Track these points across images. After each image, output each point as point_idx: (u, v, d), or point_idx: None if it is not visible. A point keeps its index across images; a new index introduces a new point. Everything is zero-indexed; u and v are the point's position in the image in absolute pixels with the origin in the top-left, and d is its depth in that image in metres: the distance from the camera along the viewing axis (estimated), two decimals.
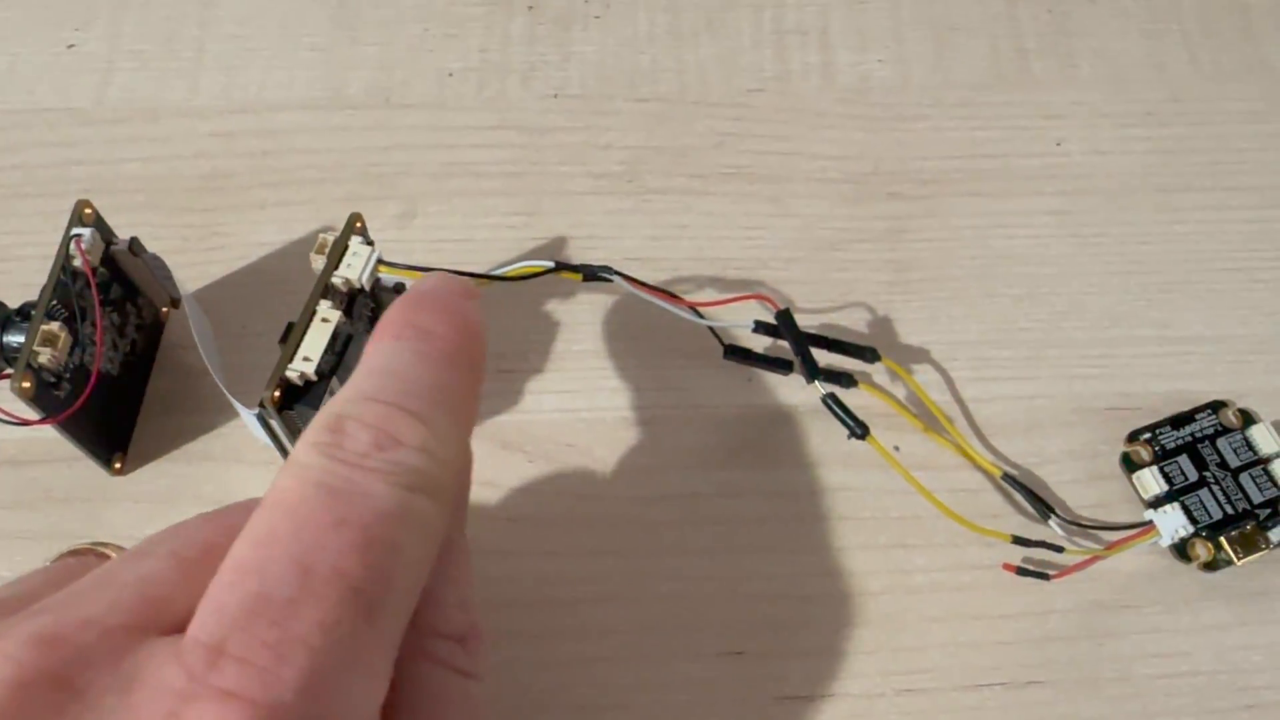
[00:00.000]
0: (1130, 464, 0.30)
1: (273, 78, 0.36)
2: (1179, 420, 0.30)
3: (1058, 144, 0.35)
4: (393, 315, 0.21)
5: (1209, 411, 0.30)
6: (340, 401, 0.19)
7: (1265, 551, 0.28)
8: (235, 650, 0.15)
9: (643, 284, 0.29)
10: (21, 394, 0.26)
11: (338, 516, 0.16)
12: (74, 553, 0.24)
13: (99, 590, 0.17)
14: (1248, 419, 0.30)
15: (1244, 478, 0.29)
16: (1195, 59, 0.37)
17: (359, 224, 0.28)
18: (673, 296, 0.29)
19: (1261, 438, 0.30)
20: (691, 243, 0.33)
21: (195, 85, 0.36)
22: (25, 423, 0.26)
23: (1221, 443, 0.30)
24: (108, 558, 0.22)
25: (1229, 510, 0.29)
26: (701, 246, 0.33)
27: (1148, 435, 0.30)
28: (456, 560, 0.20)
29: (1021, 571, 0.28)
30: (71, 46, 0.37)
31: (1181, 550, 0.29)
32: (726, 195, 0.34)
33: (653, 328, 0.32)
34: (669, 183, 0.34)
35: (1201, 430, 0.30)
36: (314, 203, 0.34)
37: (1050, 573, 0.28)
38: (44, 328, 0.26)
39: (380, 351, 0.20)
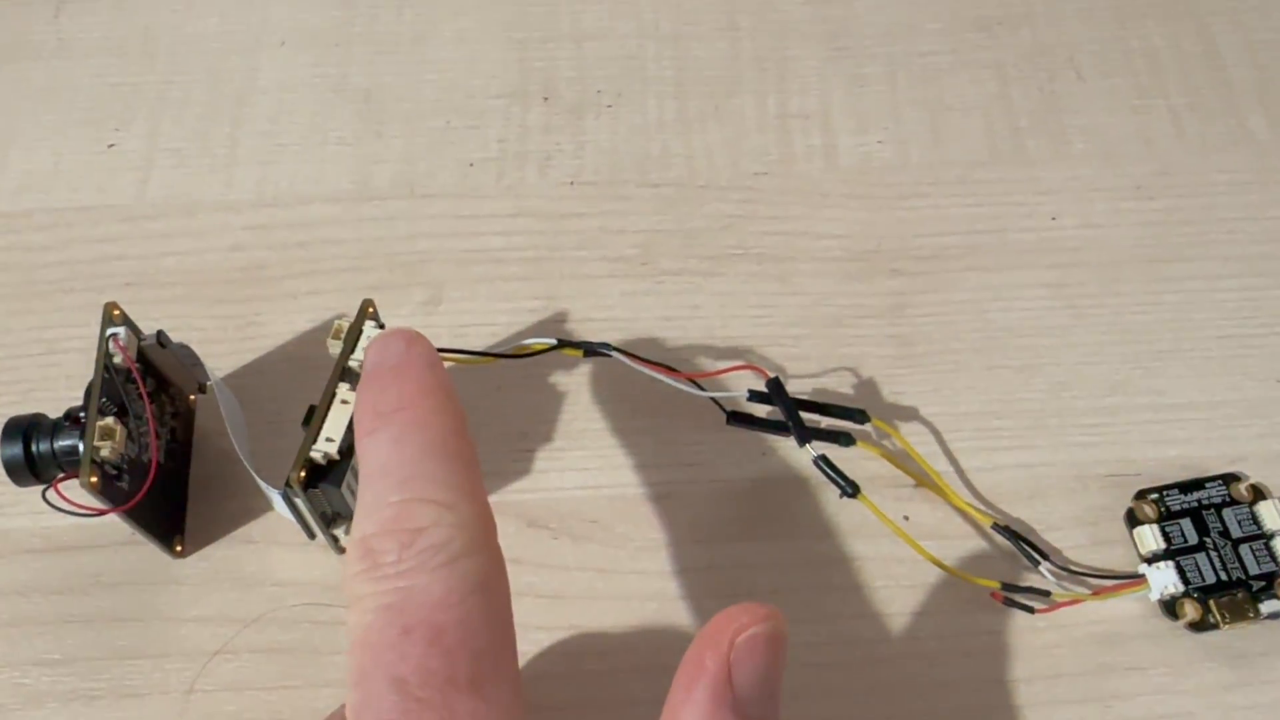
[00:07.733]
0: (1133, 519, 0.31)
1: (303, 171, 0.38)
2: (1188, 486, 0.31)
3: (1052, 218, 0.37)
4: (358, 409, 0.22)
5: (1220, 482, 0.31)
6: (357, 525, 0.21)
7: (1251, 622, 0.29)
8: None
9: (641, 359, 0.30)
10: (90, 488, 0.27)
11: (402, 627, 0.18)
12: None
13: None
14: (1258, 494, 0.31)
15: (1244, 549, 0.30)
16: (1182, 133, 0.39)
17: (371, 309, 0.29)
18: (670, 369, 0.31)
19: (1268, 514, 0.31)
20: (704, 322, 0.35)
21: (229, 180, 0.38)
22: (99, 513, 0.28)
23: (1227, 513, 0.31)
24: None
25: (1223, 576, 0.30)
26: (713, 326, 0.35)
27: (1155, 496, 0.31)
28: None
29: (1008, 602, 0.30)
30: (112, 146, 0.39)
31: (1170, 608, 0.30)
32: (736, 275, 0.36)
33: (668, 401, 0.33)
34: (682, 264, 0.36)
35: (1209, 498, 0.31)
36: (344, 290, 0.36)
37: (1036, 606, 0.30)
38: (100, 423, 0.28)
39: (364, 452, 0.21)
